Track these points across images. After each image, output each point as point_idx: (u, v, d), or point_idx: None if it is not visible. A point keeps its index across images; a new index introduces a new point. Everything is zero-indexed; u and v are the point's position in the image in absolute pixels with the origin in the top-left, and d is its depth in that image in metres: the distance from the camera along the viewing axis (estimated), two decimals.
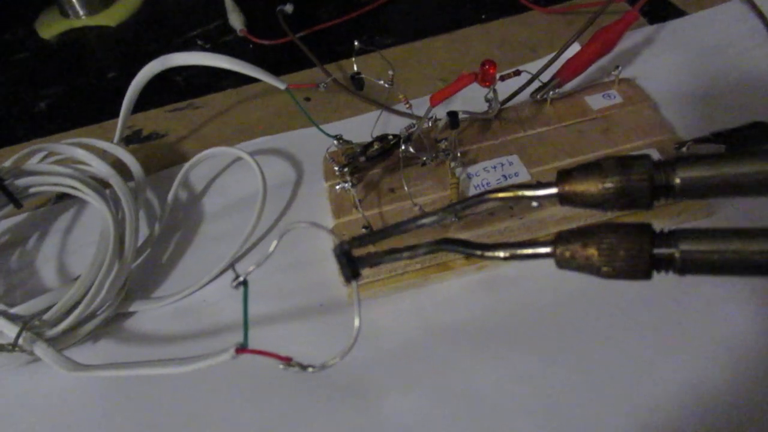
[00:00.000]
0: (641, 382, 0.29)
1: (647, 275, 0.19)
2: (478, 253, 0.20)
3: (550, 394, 0.29)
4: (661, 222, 0.33)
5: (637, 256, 0.18)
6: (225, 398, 0.31)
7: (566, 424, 0.28)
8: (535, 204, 0.30)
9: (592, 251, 0.19)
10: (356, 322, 0.20)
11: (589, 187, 0.19)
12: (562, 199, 0.20)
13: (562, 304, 0.32)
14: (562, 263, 0.20)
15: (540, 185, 0.20)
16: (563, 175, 0.20)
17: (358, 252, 0.21)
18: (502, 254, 0.20)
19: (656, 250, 0.18)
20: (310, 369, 0.21)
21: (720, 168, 0.19)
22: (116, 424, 0.31)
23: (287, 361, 0.21)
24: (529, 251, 0.20)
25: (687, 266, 0.18)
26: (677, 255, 0.18)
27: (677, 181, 0.19)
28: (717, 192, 0.19)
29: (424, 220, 0.21)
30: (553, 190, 0.20)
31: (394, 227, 0.22)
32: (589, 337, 0.31)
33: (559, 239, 0.20)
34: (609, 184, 0.19)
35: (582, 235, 0.19)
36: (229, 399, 0.31)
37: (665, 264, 0.19)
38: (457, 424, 0.28)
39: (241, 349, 0.22)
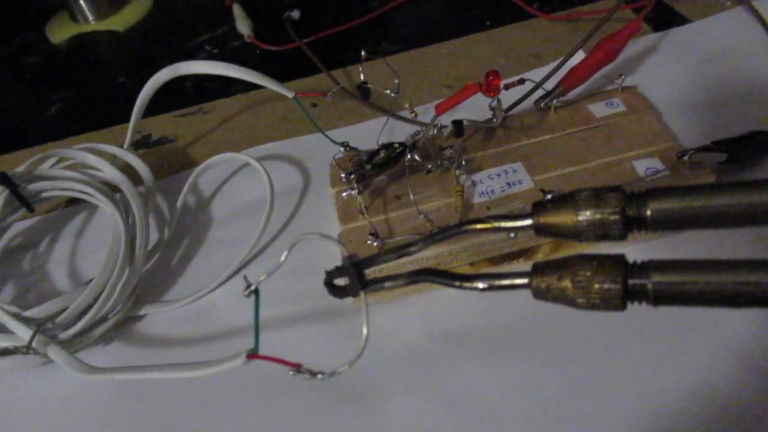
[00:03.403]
0: (644, 388, 0.29)
1: (622, 306, 0.19)
2: (457, 284, 0.21)
3: (553, 400, 0.29)
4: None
5: (611, 288, 0.19)
6: (234, 401, 0.32)
7: (568, 430, 0.28)
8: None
9: (566, 283, 0.19)
10: (364, 331, 0.20)
11: (563, 219, 0.20)
12: (538, 230, 0.21)
13: (566, 311, 0.32)
14: (538, 294, 0.20)
15: (516, 217, 0.21)
16: (538, 207, 0.20)
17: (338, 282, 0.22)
18: (480, 285, 0.21)
19: (630, 282, 0.19)
20: (320, 376, 0.21)
21: (691, 200, 0.19)
22: (127, 426, 0.32)
23: (297, 367, 0.22)
24: (506, 282, 0.20)
25: (660, 297, 0.18)
26: (650, 287, 0.18)
27: (648, 213, 0.19)
28: (689, 224, 0.19)
29: (412, 248, 0.22)
30: (528, 222, 0.21)
31: (373, 259, 0.22)
32: (593, 343, 0.31)
33: (535, 271, 0.20)
34: (582, 217, 0.20)
35: (557, 267, 0.20)
36: (238, 402, 0.32)
37: (639, 295, 0.19)
38: (460, 430, 0.29)
39: (253, 355, 0.22)
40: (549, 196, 0.33)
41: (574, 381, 0.30)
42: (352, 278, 0.21)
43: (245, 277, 0.21)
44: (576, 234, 0.20)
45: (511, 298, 0.33)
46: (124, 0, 0.67)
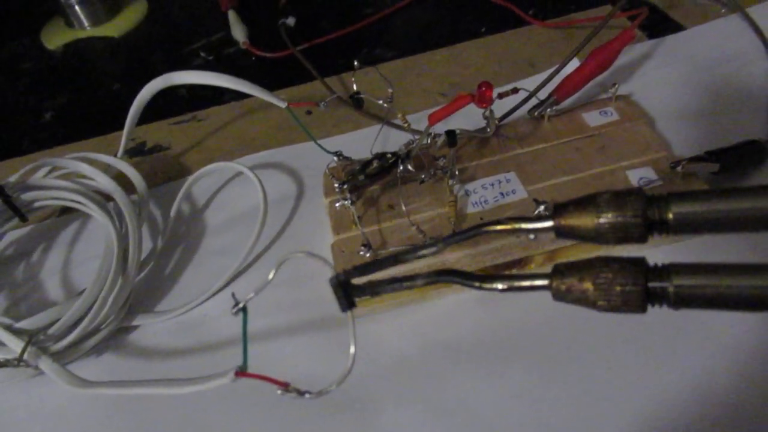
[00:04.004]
0: (640, 397, 0.29)
1: (642, 309, 0.19)
2: (477, 284, 0.21)
3: (547, 410, 0.29)
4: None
5: (632, 290, 0.19)
6: (225, 417, 0.31)
7: None
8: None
9: (588, 285, 0.19)
10: (352, 349, 0.20)
11: (585, 221, 0.20)
12: (558, 232, 0.21)
13: (560, 319, 0.33)
14: (558, 296, 0.20)
15: (537, 218, 0.21)
16: (559, 209, 0.20)
17: (357, 280, 0.22)
18: (500, 286, 0.21)
19: (650, 285, 0.19)
20: (307, 395, 0.21)
21: (713, 204, 0.19)
22: None
23: (285, 386, 0.22)
24: (526, 284, 0.20)
25: (680, 300, 0.18)
26: (671, 289, 0.18)
27: (670, 216, 0.19)
28: (711, 228, 0.19)
29: (424, 251, 0.22)
30: (549, 224, 0.21)
31: (392, 258, 0.22)
32: (587, 352, 0.31)
33: (555, 272, 0.20)
34: (603, 220, 0.20)
35: (578, 269, 0.20)
36: (229, 417, 0.31)
37: (659, 298, 0.19)
38: None
39: (241, 372, 0.22)
40: (542, 207, 0.33)
41: (569, 392, 0.30)
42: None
43: (233, 295, 0.21)
44: (596, 236, 0.20)
45: (505, 309, 0.33)
46: (119, 6, 0.67)
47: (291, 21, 0.57)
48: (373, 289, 0.22)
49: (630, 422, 0.28)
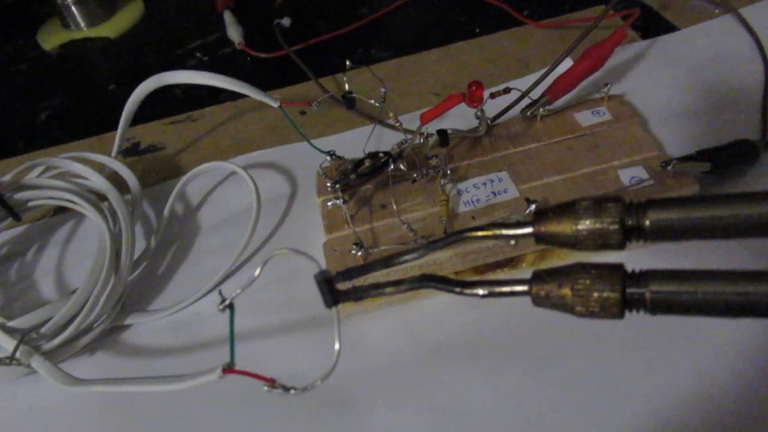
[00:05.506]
0: (630, 397, 0.29)
1: (620, 315, 0.19)
2: (457, 290, 0.21)
3: (536, 410, 0.29)
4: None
5: (609, 297, 0.19)
6: (215, 413, 0.32)
7: None
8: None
9: (566, 291, 0.19)
10: (336, 346, 0.20)
11: (564, 228, 0.20)
12: (538, 238, 0.21)
13: (550, 319, 0.32)
14: (538, 302, 0.20)
15: (517, 225, 0.21)
16: (539, 216, 0.21)
17: (342, 286, 0.22)
18: (480, 292, 0.21)
19: (628, 291, 0.19)
20: (293, 391, 0.21)
21: (691, 211, 0.19)
22: None
23: (270, 382, 0.22)
24: (506, 289, 0.20)
25: (657, 306, 0.19)
26: (648, 296, 0.19)
27: (647, 223, 0.19)
28: (688, 235, 0.19)
29: (407, 257, 0.22)
30: (529, 230, 0.21)
31: (377, 263, 0.22)
32: (578, 352, 0.31)
33: (534, 278, 0.20)
34: (582, 227, 0.20)
35: (557, 275, 0.20)
36: (219, 414, 0.31)
37: (637, 304, 0.19)
38: None
39: (228, 369, 0.22)
40: (533, 206, 0.33)
41: (559, 392, 0.30)
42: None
43: (220, 292, 0.21)
44: (576, 243, 0.20)
45: (495, 308, 0.33)
46: (115, 7, 0.67)
47: (286, 21, 0.57)
48: (357, 294, 0.22)
49: (620, 421, 0.28)
